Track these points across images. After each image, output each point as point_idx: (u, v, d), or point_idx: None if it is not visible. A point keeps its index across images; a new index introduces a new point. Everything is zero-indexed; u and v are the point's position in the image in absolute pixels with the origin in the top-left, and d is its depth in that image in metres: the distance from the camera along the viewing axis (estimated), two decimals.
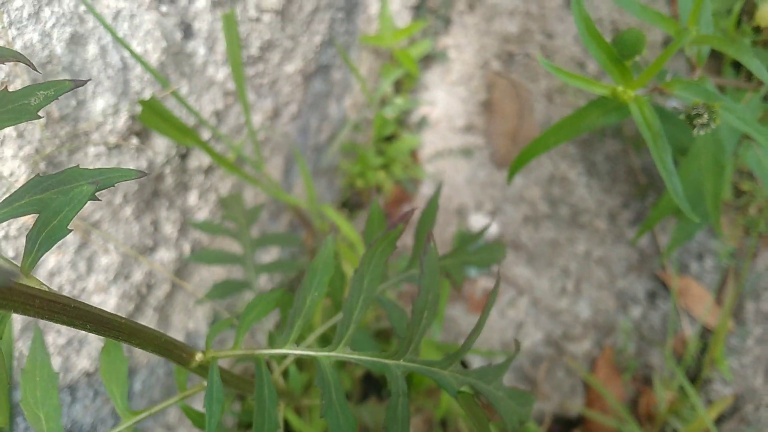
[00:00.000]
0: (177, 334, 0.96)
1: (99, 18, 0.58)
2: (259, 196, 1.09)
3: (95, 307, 0.30)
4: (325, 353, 0.37)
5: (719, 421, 1.29)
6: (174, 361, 0.37)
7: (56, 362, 0.75)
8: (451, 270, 0.62)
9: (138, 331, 0.34)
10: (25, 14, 0.60)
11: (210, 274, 1.04)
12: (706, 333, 1.36)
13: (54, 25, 0.63)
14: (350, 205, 1.38)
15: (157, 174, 0.83)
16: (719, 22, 0.99)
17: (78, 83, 0.29)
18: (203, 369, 0.39)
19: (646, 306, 1.39)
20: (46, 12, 0.62)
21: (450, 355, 0.40)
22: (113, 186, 0.29)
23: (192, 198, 0.93)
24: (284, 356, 0.42)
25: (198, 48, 0.82)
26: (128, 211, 0.79)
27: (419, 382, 1.27)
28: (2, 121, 0.27)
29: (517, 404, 0.43)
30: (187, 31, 0.80)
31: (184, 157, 0.88)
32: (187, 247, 0.94)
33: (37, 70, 0.41)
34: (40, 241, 0.28)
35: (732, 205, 1.40)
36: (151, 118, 0.63)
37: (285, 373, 0.59)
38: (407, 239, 1.36)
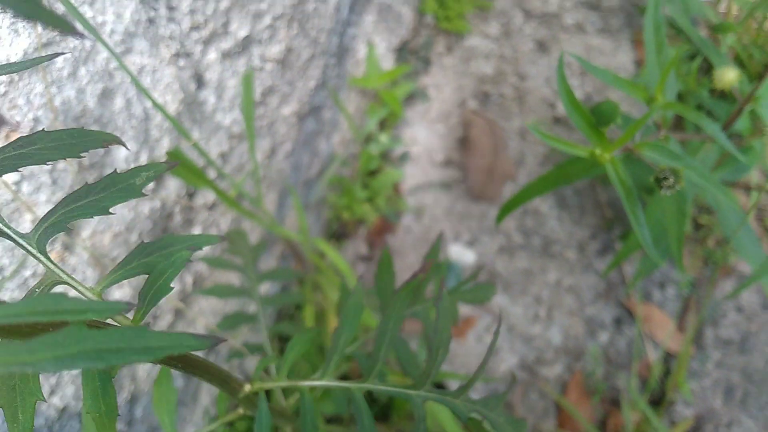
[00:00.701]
0: None
1: (131, 74, 0.64)
2: (255, 229, 1.15)
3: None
4: (359, 385, 0.44)
5: None
6: (226, 392, 0.43)
7: (68, 392, 0.80)
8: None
9: (200, 364, 0.40)
10: (65, 74, 0.66)
11: (207, 304, 1.09)
12: (668, 357, 1.45)
13: (88, 82, 0.69)
14: (337, 235, 1.45)
15: (168, 213, 0.89)
16: (682, 77, 1.09)
17: (171, 165, 0.35)
18: (248, 399, 0.45)
19: (613, 332, 1.49)
20: (82, 71, 0.68)
21: (462, 387, 0.46)
22: (199, 248, 0.35)
23: (196, 233, 0.98)
24: (313, 387, 0.48)
25: (209, 96, 0.89)
26: (135, 239, 0.85)
27: (401, 407, 1.33)
28: (113, 199, 0.33)
29: (514, 430, 0.50)
30: (200, 82, 0.87)
31: (191, 195, 0.94)
32: (189, 279, 0.99)
33: (127, 148, 0.47)
34: (149, 298, 0.34)
35: (692, 238, 1.51)
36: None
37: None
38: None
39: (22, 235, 0.33)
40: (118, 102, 0.73)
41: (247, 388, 0.44)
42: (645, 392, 1.36)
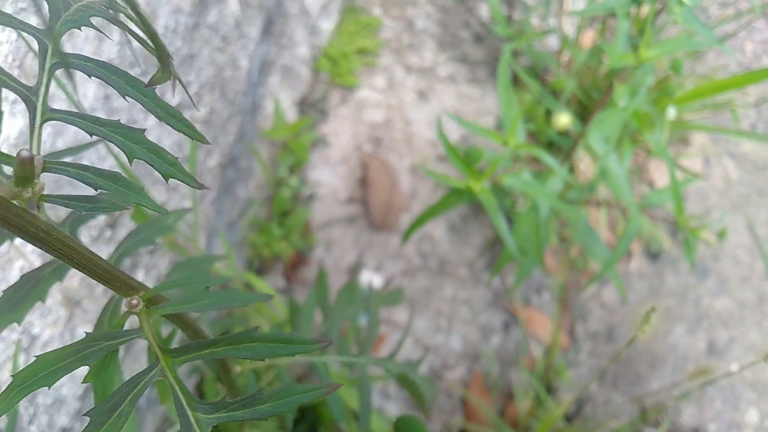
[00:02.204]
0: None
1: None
2: None
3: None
4: (321, 358, 0.61)
5: (568, 420, 1.63)
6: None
7: (43, 420, 0.90)
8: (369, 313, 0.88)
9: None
10: None
11: None
12: (548, 352, 1.72)
13: None
14: (257, 271, 1.60)
15: None
16: (534, 118, 1.37)
17: (187, 210, 0.51)
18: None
19: (503, 335, 1.73)
20: None
21: (391, 354, 0.65)
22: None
23: (140, 275, 1.11)
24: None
25: None
26: (99, 289, 0.98)
27: (327, 419, 1.48)
28: (153, 234, 0.49)
29: (429, 385, 0.69)
30: None
31: None
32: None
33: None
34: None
35: (558, 249, 1.80)
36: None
37: None
38: None
39: None
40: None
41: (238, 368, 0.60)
42: (536, 381, 1.61)
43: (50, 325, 0.89)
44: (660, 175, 1.90)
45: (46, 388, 0.34)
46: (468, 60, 1.97)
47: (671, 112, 1.18)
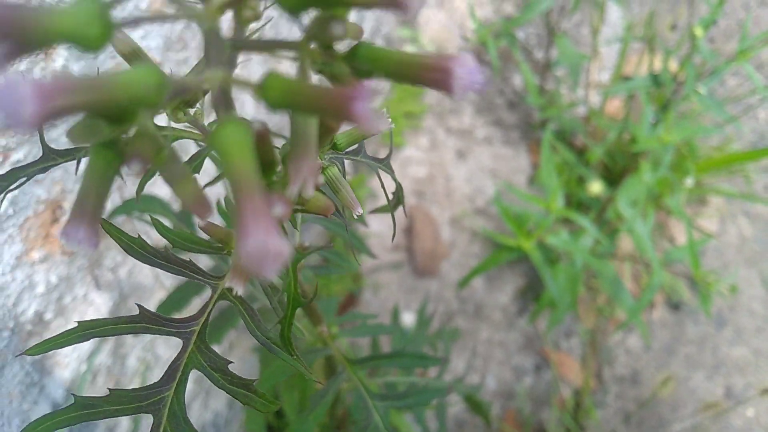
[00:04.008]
0: None
1: None
2: None
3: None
4: None
5: None
6: None
7: None
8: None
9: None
10: None
11: None
12: (577, 393, 1.86)
13: None
14: None
15: None
16: (567, 183, 1.56)
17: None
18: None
19: (534, 376, 1.88)
20: None
21: (458, 380, 0.82)
22: None
23: None
24: None
25: None
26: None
27: None
28: None
29: (488, 406, 0.86)
30: None
31: None
32: None
33: None
34: None
35: (586, 298, 1.96)
36: None
37: None
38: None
39: None
40: None
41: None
42: (567, 420, 1.75)
43: (171, 347, 1.07)
44: (679, 231, 2.07)
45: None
46: (502, 124, 2.18)
47: (689, 182, 1.36)
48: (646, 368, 1.96)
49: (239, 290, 0.34)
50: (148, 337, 0.94)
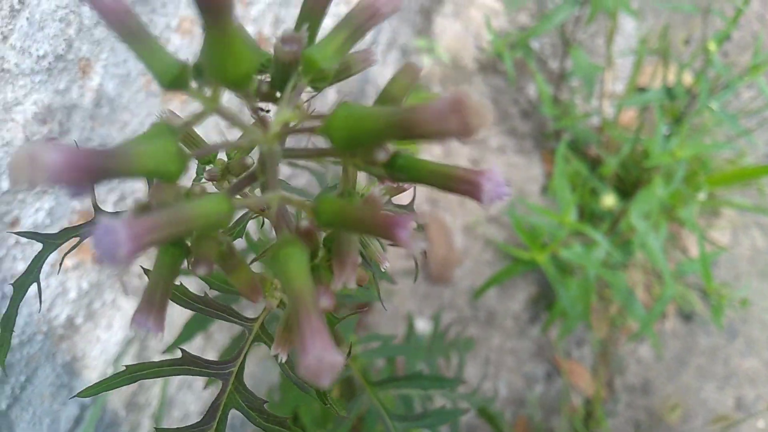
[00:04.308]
0: None
1: None
2: None
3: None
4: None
5: None
6: None
7: None
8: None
9: None
10: None
11: None
12: (588, 402, 1.87)
13: None
14: None
15: None
16: (581, 195, 1.58)
17: None
18: None
19: (545, 384, 1.90)
20: None
21: (472, 393, 0.84)
22: None
23: None
24: None
25: None
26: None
27: None
28: None
29: (501, 417, 0.88)
30: None
31: None
32: None
33: None
34: None
35: (599, 307, 1.97)
36: None
37: None
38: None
39: None
40: None
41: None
42: (578, 427, 1.76)
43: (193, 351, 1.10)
44: (692, 242, 2.07)
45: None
46: (516, 133, 2.20)
47: (702, 195, 1.37)
48: (658, 378, 1.97)
49: (283, 358, 0.38)
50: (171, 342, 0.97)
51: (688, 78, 1.95)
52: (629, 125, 2.06)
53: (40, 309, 0.59)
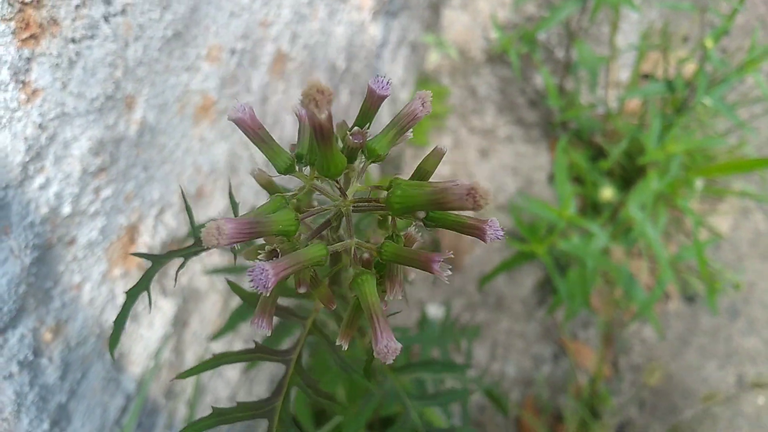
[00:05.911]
0: None
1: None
2: None
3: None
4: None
5: None
6: None
7: None
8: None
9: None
10: None
11: None
12: (593, 381, 1.96)
13: None
14: None
15: None
16: (582, 185, 1.65)
17: None
18: None
19: (552, 364, 1.99)
20: None
21: (478, 376, 0.93)
22: None
23: None
24: None
25: None
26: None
27: None
28: None
29: (505, 399, 0.98)
30: None
31: None
32: None
33: None
34: None
35: (604, 289, 2.05)
36: None
37: None
38: None
39: None
40: None
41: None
42: (581, 407, 1.86)
43: (222, 345, 1.20)
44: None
45: None
46: (523, 123, 2.26)
47: (698, 184, 1.44)
48: (661, 357, 2.05)
49: (345, 346, 0.52)
50: (202, 336, 1.07)
51: (691, 67, 2.00)
52: (635, 112, 2.11)
53: (149, 310, 0.70)
